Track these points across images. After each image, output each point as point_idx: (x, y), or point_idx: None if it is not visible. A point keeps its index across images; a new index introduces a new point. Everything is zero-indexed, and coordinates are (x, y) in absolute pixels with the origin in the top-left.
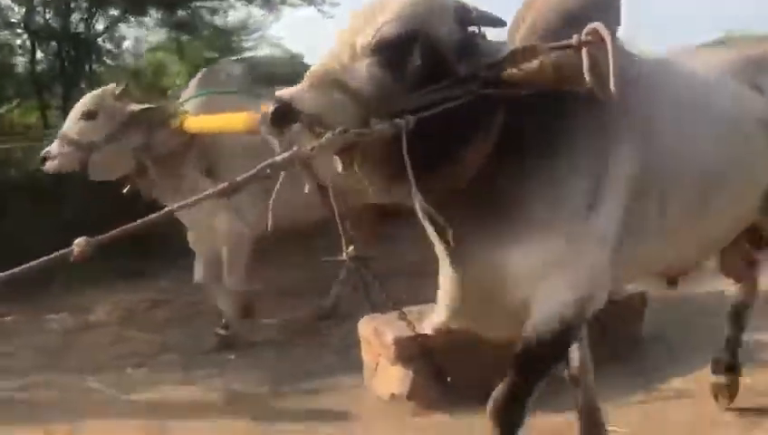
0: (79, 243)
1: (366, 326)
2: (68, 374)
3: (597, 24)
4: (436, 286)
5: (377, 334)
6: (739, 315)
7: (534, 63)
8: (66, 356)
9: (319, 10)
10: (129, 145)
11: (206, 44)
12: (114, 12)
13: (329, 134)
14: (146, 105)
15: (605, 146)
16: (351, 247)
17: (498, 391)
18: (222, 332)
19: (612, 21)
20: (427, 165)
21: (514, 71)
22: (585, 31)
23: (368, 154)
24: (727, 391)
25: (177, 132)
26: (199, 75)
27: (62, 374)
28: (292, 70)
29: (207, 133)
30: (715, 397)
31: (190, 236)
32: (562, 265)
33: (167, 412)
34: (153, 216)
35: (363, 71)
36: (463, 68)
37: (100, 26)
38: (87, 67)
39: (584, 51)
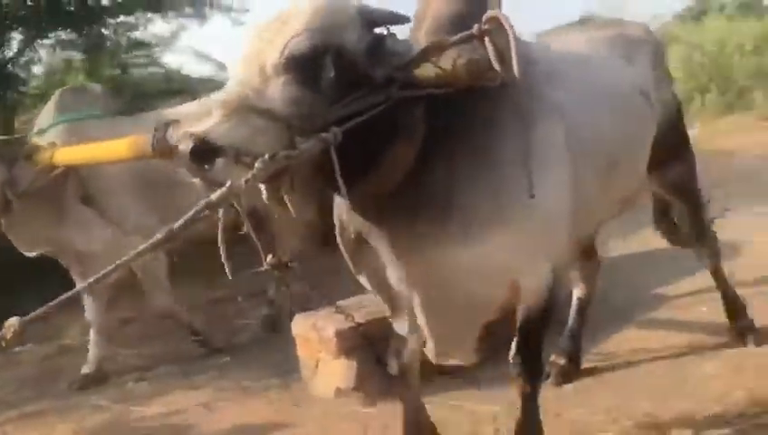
0: (12, 324)
1: (301, 324)
2: (67, 398)
3: (495, 12)
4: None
5: (315, 330)
6: (583, 309)
7: (447, 65)
8: (54, 382)
9: (230, 18)
10: None
11: (111, 61)
12: (20, 36)
13: (258, 163)
14: None
15: (531, 131)
16: (270, 256)
17: (516, 357)
18: (197, 338)
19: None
20: (355, 174)
21: (430, 73)
22: (484, 19)
23: (296, 177)
24: (563, 373)
25: (46, 167)
26: (55, 99)
27: (61, 399)
28: (167, 86)
29: (83, 164)
30: (548, 374)
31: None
32: (529, 249)
33: (188, 416)
34: (91, 280)
35: (278, 91)
36: (377, 72)
37: (10, 53)
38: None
39: (486, 39)
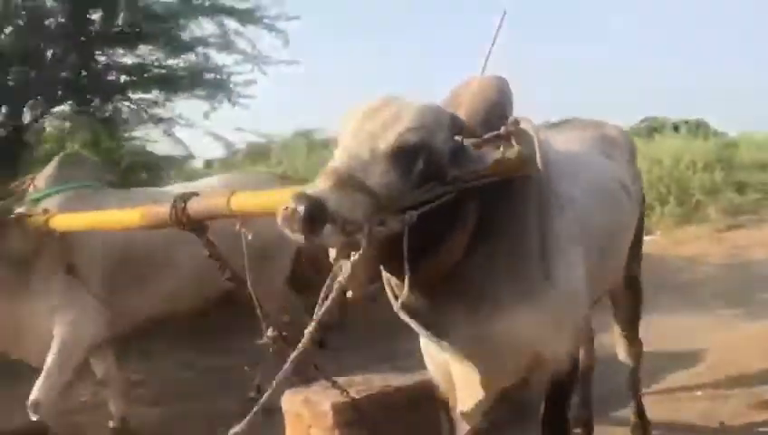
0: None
1: (292, 400)
2: None
3: (517, 117)
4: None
5: (307, 404)
6: (586, 377)
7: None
8: None
9: (234, 103)
10: None
11: (120, 134)
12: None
13: (362, 236)
14: None
15: (551, 224)
16: (270, 329)
17: (548, 417)
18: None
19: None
20: (417, 257)
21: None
22: (509, 122)
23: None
24: None
25: (38, 232)
26: (54, 165)
27: None
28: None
29: (77, 230)
30: None
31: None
32: (555, 325)
33: None
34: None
35: (381, 172)
36: (452, 172)
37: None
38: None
39: (512, 138)
